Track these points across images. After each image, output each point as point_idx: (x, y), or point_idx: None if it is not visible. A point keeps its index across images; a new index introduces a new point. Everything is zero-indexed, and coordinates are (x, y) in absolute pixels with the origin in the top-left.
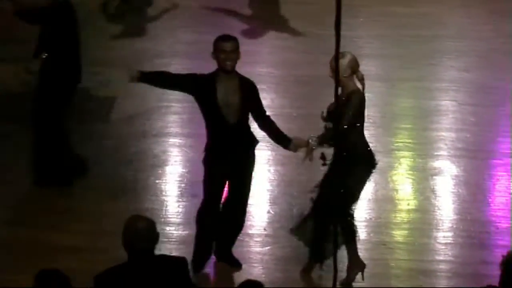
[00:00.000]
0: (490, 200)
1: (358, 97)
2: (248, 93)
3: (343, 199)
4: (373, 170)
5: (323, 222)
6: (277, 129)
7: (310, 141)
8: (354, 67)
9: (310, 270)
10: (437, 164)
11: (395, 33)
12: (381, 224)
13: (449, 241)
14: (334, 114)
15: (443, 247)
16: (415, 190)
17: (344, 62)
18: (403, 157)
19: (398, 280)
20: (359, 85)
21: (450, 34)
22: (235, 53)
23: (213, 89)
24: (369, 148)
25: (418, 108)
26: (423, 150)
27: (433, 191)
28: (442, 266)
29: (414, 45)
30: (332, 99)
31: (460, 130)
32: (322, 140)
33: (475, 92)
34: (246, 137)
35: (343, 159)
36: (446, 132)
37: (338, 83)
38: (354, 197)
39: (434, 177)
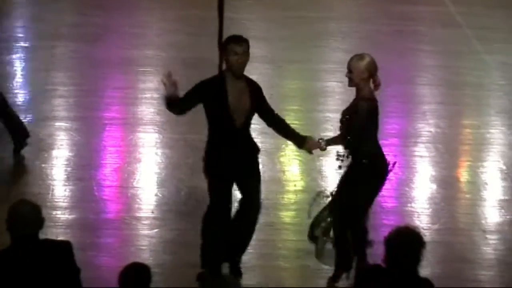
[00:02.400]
0: None
1: (365, 107)
2: (257, 95)
3: (353, 209)
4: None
5: (342, 231)
6: (290, 127)
7: (320, 141)
8: (372, 70)
9: (337, 279)
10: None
11: (281, 15)
12: (268, 206)
13: None
14: (344, 121)
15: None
16: (301, 171)
17: (362, 64)
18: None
19: (285, 260)
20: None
21: (335, 16)
22: (247, 55)
23: (224, 93)
24: (383, 159)
25: (305, 90)
26: (310, 132)
27: (319, 172)
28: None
29: (300, 27)
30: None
31: None
32: (330, 143)
33: None
34: (250, 142)
35: (357, 170)
36: (333, 114)
37: (221, 65)
38: (363, 208)
39: (321, 158)
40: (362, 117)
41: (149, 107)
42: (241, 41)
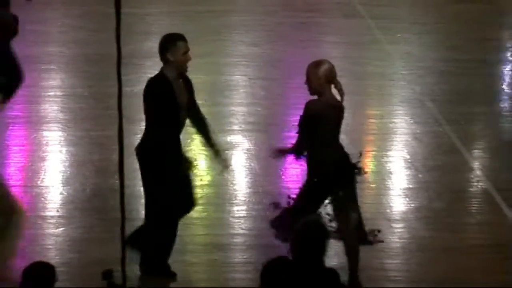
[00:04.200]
0: (281, 172)
1: (310, 110)
2: (191, 90)
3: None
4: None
5: None
6: (210, 132)
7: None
8: (329, 76)
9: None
10: (229, 138)
11: (184, 9)
12: None
13: (243, 215)
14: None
15: (237, 220)
16: (208, 165)
17: (317, 71)
18: (195, 133)
19: (193, 255)
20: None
21: (238, 9)
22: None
23: (172, 92)
24: (340, 165)
25: (209, 84)
26: (215, 125)
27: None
28: (237, 240)
29: (203, 21)
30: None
31: (251, 104)
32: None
33: (264, 66)
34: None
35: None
36: (237, 107)
37: (120, 62)
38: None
39: (227, 152)
40: (304, 120)
41: (53, 105)
42: (185, 38)
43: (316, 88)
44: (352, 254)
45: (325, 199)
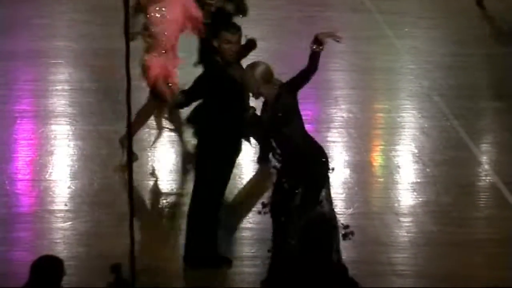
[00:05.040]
0: None
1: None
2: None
3: None
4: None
5: None
6: None
7: None
8: (265, 77)
9: None
10: None
11: None
12: (183, 195)
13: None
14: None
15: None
16: None
17: (253, 73)
18: None
19: None
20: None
21: None
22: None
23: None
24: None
25: None
26: None
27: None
28: (245, 234)
29: None
30: None
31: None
32: None
33: (272, 61)
34: None
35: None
36: None
37: (128, 56)
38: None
39: None
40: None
41: (61, 99)
42: (234, 29)
43: (255, 91)
44: None
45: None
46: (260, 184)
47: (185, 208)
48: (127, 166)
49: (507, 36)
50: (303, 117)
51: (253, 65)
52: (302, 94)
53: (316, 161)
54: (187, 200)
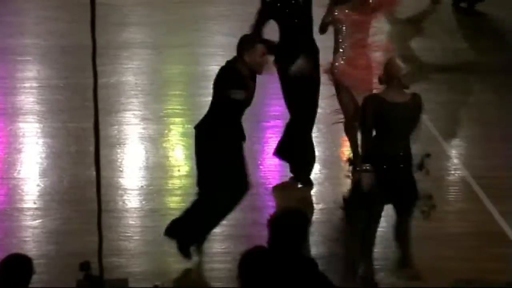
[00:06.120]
0: (259, 162)
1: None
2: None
3: None
4: None
5: None
6: None
7: None
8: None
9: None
10: None
11: (161, 0)
12: (152, 192)
13: None
14: None
15: None
16: (185, 156)
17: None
18: (173, 123)
19: (171, 245)
20: None
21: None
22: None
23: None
24: None
25: (187, 74)
26: (193, 116)
27: None
28: (216, 230)
29: (180, 11)
30: None
31: None
32: None
33: None
34: None
35: None
36: None
37: (95, 53)
38: None
39: None
40: None
41: (29, 96)
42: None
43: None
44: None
45: None
46: None
47: (154, 205)
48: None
49: (472, 30)
50: (274, 113)
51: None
52: (272, 90)
53: None
54: (156, 196)
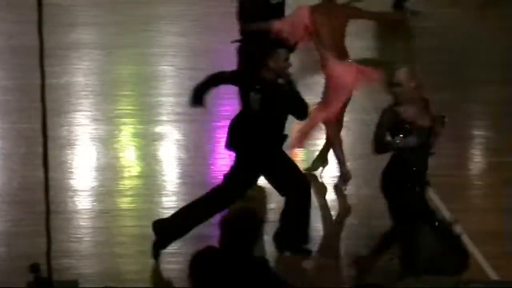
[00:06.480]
0: (210, 162)
1: None
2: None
3: None
4: None
5: None
6: None
7: None
8: None
9: None
10: (158, 129)
11: (110, 0)
12: (103, 193)
13: (172, 205)
14: None
15: (166, 211)
16: (137, 156)
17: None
18: (123, 124)
19: (122, 246)
20: None
21: None
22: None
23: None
24: None
25: (137, 75)
26: (144, 116)
27: (154, 156)
28: None
29: (129, 12)
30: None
31: (179, 94)
32: None
33: (192, 56)
34: None
35: None
36: (165, 97)
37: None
38: None
39: (155, 142)
40: None
41: None
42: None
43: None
44: None
45: None
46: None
47: (104, 206)
48: None
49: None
50: (224, 113)
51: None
52: (222, 89)
53: None
54: (106, 197)
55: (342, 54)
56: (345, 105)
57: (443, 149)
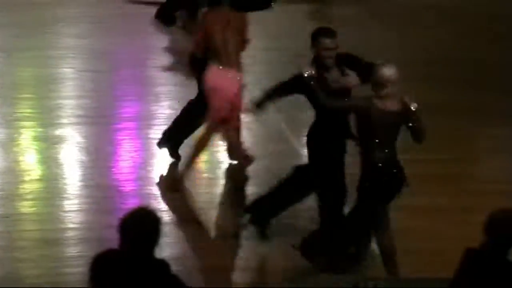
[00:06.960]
0: (111, 165)
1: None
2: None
3: None
4: None
5: None
6: None
7: None
8: None
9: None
10: (58, 132)
11: (6, 1)
12: (3, 197)
13: (74, 209)
14: None
15: (68, 214)
16: (37, 160)
17: None
18: (23, 127)
19: (22, 251)
20: None
21: (63, 1)
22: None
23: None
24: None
25: (37, 77)
26: (44, 119)
27: (55, 159)
28: (69, 234)
29: (26, 14)
30: None
31: (79, 97)
32: None
33: (92, 59)
34: None
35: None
36: (66, 100)
37: None
38: None
39: (56, 145)
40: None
41: None
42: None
43: None
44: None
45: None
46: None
47: (4, 210)
48: None
49: None
50: (125, 115)
51: None
52: (123, 91)
53: None
54: (6, 201)
55: (234, 62)
56: (236, 108)
57: None
